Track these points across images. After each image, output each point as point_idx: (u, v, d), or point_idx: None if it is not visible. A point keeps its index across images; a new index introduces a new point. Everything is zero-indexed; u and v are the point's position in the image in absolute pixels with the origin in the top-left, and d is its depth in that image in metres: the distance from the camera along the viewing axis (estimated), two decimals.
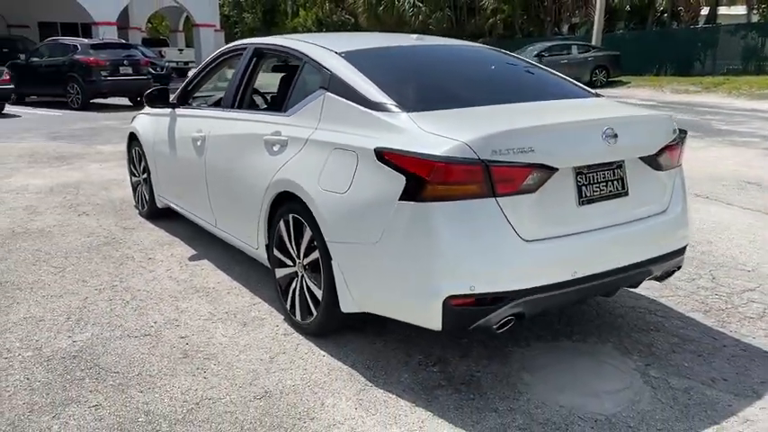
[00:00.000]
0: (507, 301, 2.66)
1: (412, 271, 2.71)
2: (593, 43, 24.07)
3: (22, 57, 17.69)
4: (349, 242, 2.94)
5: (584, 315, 3.67)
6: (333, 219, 2.99)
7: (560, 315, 3.65)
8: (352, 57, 3.41)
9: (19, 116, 14.59)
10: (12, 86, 14.90)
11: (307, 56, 3.59)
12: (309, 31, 42.74)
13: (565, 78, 3.74)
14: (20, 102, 17.17)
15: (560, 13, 32.69)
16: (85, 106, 15.80)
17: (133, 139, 5.67)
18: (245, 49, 4.25)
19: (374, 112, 2.97)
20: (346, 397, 2.81)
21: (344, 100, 3.15)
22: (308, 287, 3.30)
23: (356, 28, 41.33)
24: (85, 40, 16.69)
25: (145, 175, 5.53)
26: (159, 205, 5.41)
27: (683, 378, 2.99)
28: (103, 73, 15.70)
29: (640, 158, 3.05)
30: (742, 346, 3.32)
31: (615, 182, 2.96)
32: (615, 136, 2.86)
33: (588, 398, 2.82)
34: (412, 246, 2.68)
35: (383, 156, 2.76)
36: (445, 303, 2.63)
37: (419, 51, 3.81)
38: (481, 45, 4.17)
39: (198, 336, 3.40)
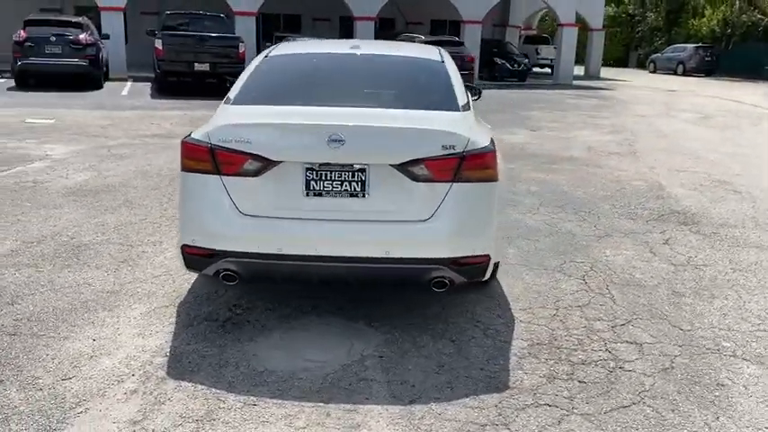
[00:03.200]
0: (219, 257, 3.37)
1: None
2: None
3: None
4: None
5: (420, 310, 3.91)
6: None
7: (408, 306, 3.95)
8: (269, 59, 4.27)
9: None
10: None
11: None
12: (712, 32, 39.19)
13: (448, 93, 3.88)
14: None
15: None
16: None
17: None
18: None
19: (222, 103, 3.87)
20: (147, 307, 3.88)
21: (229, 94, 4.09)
22: None
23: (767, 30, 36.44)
24: (422, 36, 19.06)
25: None
26: None
27: (384, 372, 3.22)
28: None
29: (395, 167, 3.30)
30: (488, 375, 3.26)
31: (354, 183, 3.32)
32: (341, 141, 3.23)
33: (284, 358, 3.34)
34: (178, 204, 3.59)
35: None
36: (182, 249, 3.48)
37: (325, 57, 4.39)
38: (420, 57, 4.44)
39: (131, 247, 4.78)
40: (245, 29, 22.56)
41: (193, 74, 16.03)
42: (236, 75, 16.03)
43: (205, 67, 15.82)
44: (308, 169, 3.32)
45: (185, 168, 3.46)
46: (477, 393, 3.07)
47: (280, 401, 2.94)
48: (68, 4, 25.98)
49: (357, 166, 3.31)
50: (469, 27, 25.58)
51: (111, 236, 5.12)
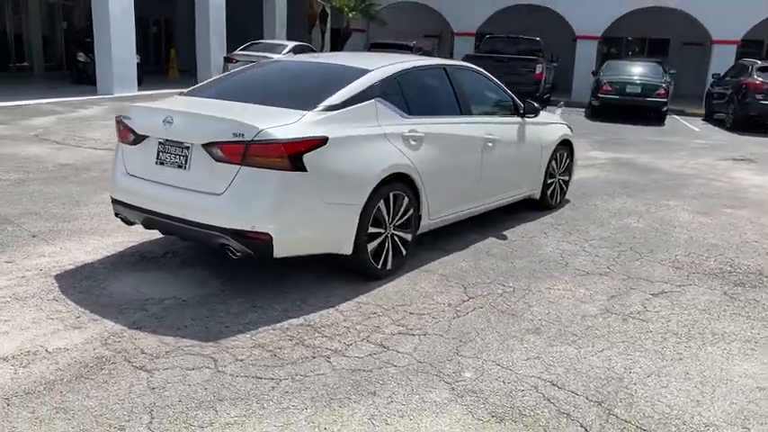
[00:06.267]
0: (115, 203, 4.58)
1: None
2: None
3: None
4: None
5: (282, 284, 4.46)
6: None
7: (283, 279, 4.56)
8: (250, 66, 5.32)
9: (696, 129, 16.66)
10: (665, 100, 16.77)
11: None
12: None
13: (320, 94, 4.36)
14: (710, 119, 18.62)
15: None
16: (735, 126, 16.11)
17: None
18: None
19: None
20: (122, 239, 5.25)
21: None
22: None
23: None
24: (759, 62, 16.49)
25: None
26: None
27: (163, 310, 4.00)
28: (758, 96, 15.56)
29: (203, 147, 4.03)
30: (232, 337, 3.74)
31: (182, 157, 4.16)
32: (171, 123, 4.12)
33: (127, 287, 4.33)
34: None
35: None
36: (111, 199, 4.78)
37: (276, 64, 5.13)
38: (352, 64, 4.91)
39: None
40: (583, 53, 22.69)
41: None
42: (529, 94, 16.83)
43: None
44: (160, 143, 4.29)
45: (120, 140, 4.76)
46: (196, 339, 3.62)
47: (71, 305, 3.99)
48: (446, 32, 29.48)
49: (186, 144, 4.15)
50: (718, 47, 21.73)
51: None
